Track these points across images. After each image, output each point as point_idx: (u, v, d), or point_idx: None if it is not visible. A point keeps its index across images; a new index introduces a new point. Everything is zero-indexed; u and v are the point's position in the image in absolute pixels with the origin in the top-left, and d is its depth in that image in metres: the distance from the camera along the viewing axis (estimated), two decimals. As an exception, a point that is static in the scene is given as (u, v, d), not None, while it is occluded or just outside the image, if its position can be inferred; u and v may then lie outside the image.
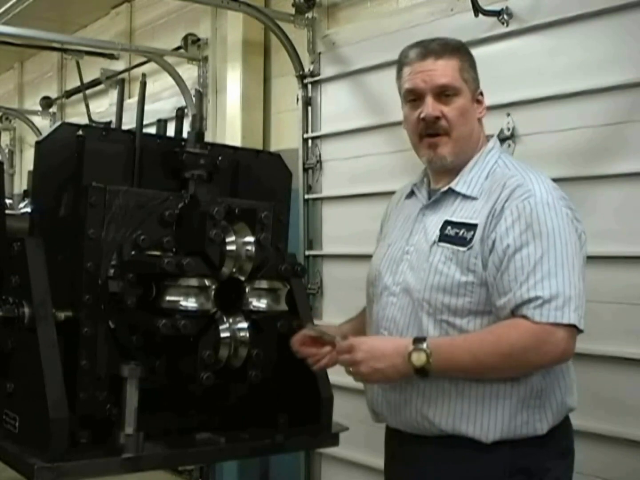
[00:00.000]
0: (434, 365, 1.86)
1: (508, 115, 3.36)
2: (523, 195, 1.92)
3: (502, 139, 3.33)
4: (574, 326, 1.85)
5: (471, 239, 1.94)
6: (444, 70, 2.04)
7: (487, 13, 3.42)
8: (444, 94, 2.04)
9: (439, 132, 2.05)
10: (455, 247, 1.96)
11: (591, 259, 3.03)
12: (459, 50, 2.10)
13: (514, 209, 1.91)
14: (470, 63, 2.10)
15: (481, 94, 2.11)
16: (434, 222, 2.04)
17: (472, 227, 1.96)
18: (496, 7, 3.43)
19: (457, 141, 2.05)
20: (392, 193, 3.91)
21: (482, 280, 1.92)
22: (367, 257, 3.97)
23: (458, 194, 2.04)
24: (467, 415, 1.93)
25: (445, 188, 2.07)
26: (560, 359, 1.91)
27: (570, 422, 2.06)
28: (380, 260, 2.16)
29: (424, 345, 1.87)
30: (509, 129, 3.34)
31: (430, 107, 2.03)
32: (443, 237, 2.00)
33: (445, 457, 1.97)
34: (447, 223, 2.01)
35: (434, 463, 1.99)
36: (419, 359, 1.87)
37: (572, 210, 1.97)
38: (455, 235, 1.97)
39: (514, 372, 1.92)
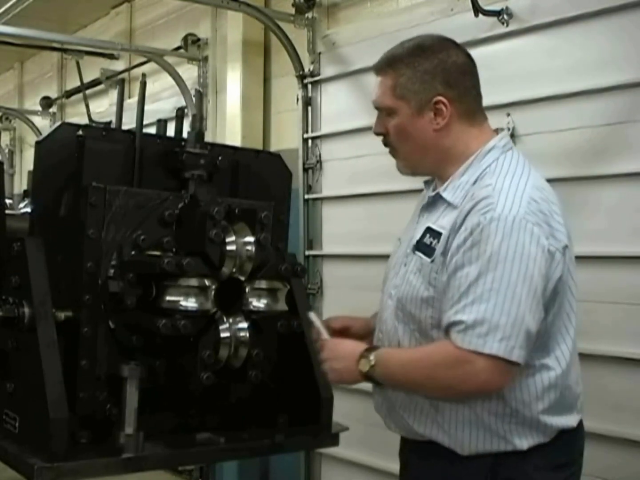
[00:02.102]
0: (378, 374, 1.90)
1: (508, 115, 3.36)
2: (483, 210, 1.81)
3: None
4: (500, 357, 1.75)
5: (435, 251, 1.89)
6: (377, 90, 2.02)
7: (487, 13, 3.42)
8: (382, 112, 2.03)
9: (389, 145, 2.05)
10: (424, 259, 1.91)
11: (591, 259, 3.06)
12: (398, 61, 1.98)
13: (468, 225, 1.82)
14: (413, 73, 1.95)
15: (439, 102, 1.94)
16: (421, 227, 1.99)
17: (440, 237, 1.90)
18: (496, 7, 3.44)
19: (405, 156, 2.03)
20: (392, 193, 3.91)
21: (442, 295, 1.87)
22: (367, 257, 3.98)
23: (445, 200, 1.96)
24: (441, 426, 1.90)
25: (434, 193, 2.01)
26: (483, 390, 1.82)
27: (571, 437, 1.96)
28: (391, 260, 2.12)
29: (371, 355, 1.90)
30: (509, 129, 3.35)
31: (375, 123, 2.05)
32: (419, 245, 1.95)
33: (430, 463, 1.95)
34: (427, 230, 1.95)
35: (421, 467, 1.99)
36: (364, 365, 1.91)
37: (547, 227, 1.82)
38: (430, 244, 1.91)
39: (440, 394, 1.88)
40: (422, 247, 1.94)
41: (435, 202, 2.00)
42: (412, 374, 1.87)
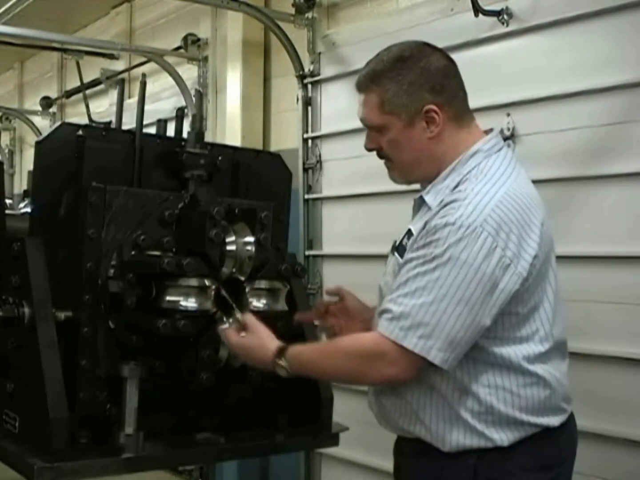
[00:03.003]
0: (298, 373, 1.96)
1: (508, 115, 3.36)
2: (443, 214, 1.84)
3: (502, 139, 3.32)
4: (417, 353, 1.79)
5: (406, 252, 1.92)
6: (364, 108, 2.00)
7: (487, 13, 3.42)
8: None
9: (384, 158, 2.04)
10: (399, 260, 1.93)
11: (590, 258, 3.06)
12: (381, 76, 1.95)
13: (428, 227, 1.85)
14: (399, 87, 1.93)
15: (430, 110, 1.93)
16: (407, 228, 2.00)
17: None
18: (496, 7, 3.43)
19: (401, 167, 2.02)
20: (392, 193, 3.91)
21: None
22: (367, 257, 3.98)
23: (426, 203, 1.96)
24: (423, 422, 1.92)
25: (418, 195, 2.02)
26: (395, 380, 1.89)
27: (558, 432, 1.96)
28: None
29: (282, 361, 1.95)
30: (509, 129, 3.34)
31: (366, 140, 2.04)
32: (398, 246, 1.97)
33: (416, 461, 1.97)
34: (408, 232, 1.96)
35: (409, 466, 2.01)
36: (282, 372, 1.96)
37: (505, 236, 1.80)
38: (405, 246, 1.94)
39: (356, 378, 1.94)
40: (400, 248, 1.96)
41: (420, 204, 2.01)
42: (328, 365, 1.93)
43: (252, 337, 2.03)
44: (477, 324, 1.81)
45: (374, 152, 2.07)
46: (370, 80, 1.98)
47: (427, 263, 1.80)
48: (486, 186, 1.87)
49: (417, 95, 1.94)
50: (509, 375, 1.88)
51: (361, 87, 2.01)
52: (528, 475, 1.90)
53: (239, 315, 2.10)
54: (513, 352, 1.88)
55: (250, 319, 2.07)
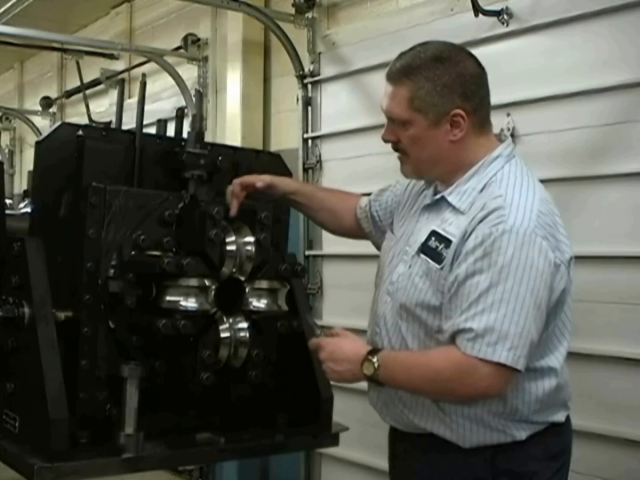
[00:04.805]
0: (381, 377, 1.92)
1: (508, 115, 3.36)
2: (494, 221, 1.84)
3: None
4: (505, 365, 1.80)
5: (445, 258, 1.91)
6: (391, 100, 1.99)
7: (487, 13, 3.42)
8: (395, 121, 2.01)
9: (399, 151, 2.04)
10: (431, 263, 1.93)
11: (590, 258, 3.06)
12: (416, 72, 1.95)
13: (479, 234, 1.84)
14: (433, 87, 1.93)
15: (457, 114, 1.94)
16: (425, 228, 2.00)
17: (450, 244, 1.91)
18: (496, 7, 3.44)
19: (416, 163, 2.02)
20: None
21: (447, 301, 1.90)
22: (367, 257, 3.98)
23: (450, 204, 1.97)
24: (443, 421, 1.94)
25: (439, 195, 2.02)
26: (484, 395, 1.88)
27: (563, 426, 2.03)
28: (386, 253, 2.14)
29: (375, 358, 1.91)
30: (509, 129, 3.34)
31: (384, 131, 2.04)
32: (424, 249, 1.96)
33: (430, 455, 1.99)
34: (432, 233, 1.96)
35: (421, 460, 2.01)
36: (368, 369, 1.92)
37: (554, 240, 1.86)
38: (435, 249, 1.93)
39: (441, 398, 1.92)
40: (428, 250, 1.95)
41: (438, 204, 2.01)
42: (415, 378, 1.90)
43: (346, 337, 2.03)
44: (543, 325, 1.86)
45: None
46: (404, 74, 1.97)
47: (495, 274, 1.81)
48: (523, 192, 1.91)
49: (448, 97, 1.94)
50: (536, 381, 1.93)
51: (393, 78, 2.00)
52: (540, 464, 1.96)
53: (319, 331, 2.10)
54: (538, 354, 1.92)
55: (341, 330, 2.07)
